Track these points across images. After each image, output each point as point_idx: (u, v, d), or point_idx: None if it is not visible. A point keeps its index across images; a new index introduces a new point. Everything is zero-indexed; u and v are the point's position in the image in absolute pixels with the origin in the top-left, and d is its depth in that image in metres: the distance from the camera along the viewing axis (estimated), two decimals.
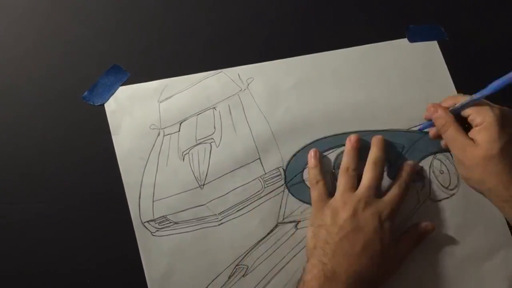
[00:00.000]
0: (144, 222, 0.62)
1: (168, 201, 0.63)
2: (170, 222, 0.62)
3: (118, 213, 0.62)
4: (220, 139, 0.65)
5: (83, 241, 0.61)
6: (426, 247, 0.65)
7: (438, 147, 0.68)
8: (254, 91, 0.67)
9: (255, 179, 0.65)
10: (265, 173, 0.65)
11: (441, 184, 0.67)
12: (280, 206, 0.64)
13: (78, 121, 0.64)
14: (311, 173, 0.64)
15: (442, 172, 0.68)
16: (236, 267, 0.62)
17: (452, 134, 0.61)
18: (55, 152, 0.63)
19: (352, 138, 0.64)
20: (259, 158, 0.65)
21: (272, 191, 0.65)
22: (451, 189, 0.68)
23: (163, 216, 0.62)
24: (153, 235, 0.62)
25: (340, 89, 0.69)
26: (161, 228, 0.62)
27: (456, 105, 0.62)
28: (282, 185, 0.65)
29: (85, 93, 0.64)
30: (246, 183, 0.64)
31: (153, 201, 0.63)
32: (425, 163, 0.68)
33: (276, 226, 0.64)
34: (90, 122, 0.64)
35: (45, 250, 0.60)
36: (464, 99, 0.61)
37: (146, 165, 0.63)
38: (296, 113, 0.67)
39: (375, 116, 0.69)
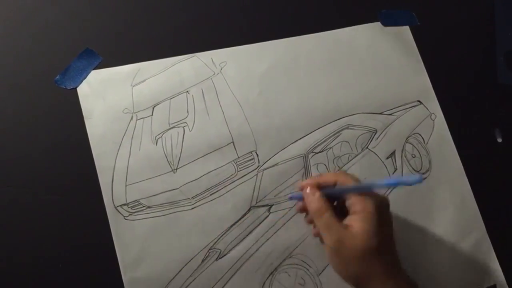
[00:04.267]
0: (117, 206, 0.62)
1: (141, 185, 0.63)
2: (143, 206, 0.62)
3: (91, 197, 0.61)
4: (193, 123, 0.65)
5: (55, 225, 0.61)
6: (397, 231, 0.66)
7: (410, 131, 0.69)
8: (228, 75, 0.68)
9: (228, 163, 0.65)
10: (238, 157, 0.65)
11: (413, 168, 0.68)
12: (253, 189, 0.65)
13: (51, 105, 0.64)
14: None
15: (414, 156, 0.69)
16: (209, 251, 0.62)
17: (327, 221, 0.54)
18: (27, 136, 0.62)
19: None
20: (232, 142, 0.65)
21: (245, 175, 0.65)
22: (423, 173, 0.69)
23: (136, 200, 0.62)
24: (126, 219, 0.61)
25: (313, 73, 0.70)
26: (134, 212, 0.62)
27: (336, 188, 0.57)
28: (256, 168, 0.65)
29: (57, 76, 0.64)
30: (219, 167, 0.64)
31: (126, 185, 0.62)
32: (397, 147, 0.69)
33: (249, 210, 0.64)
34: (62, 106, 0.64)
35: (15, 235, 0.60)
36: (345, 180, 0.56)
37: (119, 149, 0.63)
38: (269, 97, 0.68)
39: (348, 100, 0.69)
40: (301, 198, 0.59)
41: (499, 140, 0.72)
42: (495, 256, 0.68)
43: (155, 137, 0.64)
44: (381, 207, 0.53)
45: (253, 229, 0.64)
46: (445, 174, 0.69)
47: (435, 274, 0.66)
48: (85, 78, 0.65)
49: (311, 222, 0.61)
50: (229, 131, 0.66)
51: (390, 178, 0.51)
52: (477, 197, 0.69)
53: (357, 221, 0.53)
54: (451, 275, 0.66)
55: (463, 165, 0.70)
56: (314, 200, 0.56)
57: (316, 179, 0.58)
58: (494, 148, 0.72)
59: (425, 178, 0.68)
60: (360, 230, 0.52)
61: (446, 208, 0.68)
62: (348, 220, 0.54)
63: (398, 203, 0.66)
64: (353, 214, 0.54)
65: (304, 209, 0.60)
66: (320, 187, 0.57)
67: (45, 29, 0.66)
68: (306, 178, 0.66)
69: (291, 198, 0.64)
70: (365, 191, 0.54)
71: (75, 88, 0.64)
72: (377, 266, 0.52)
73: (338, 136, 0.68)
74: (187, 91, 0.66)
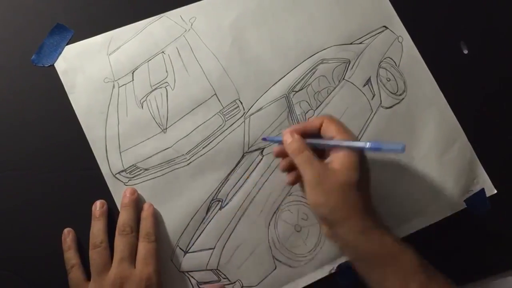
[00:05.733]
0: (116, 174, 0.63)
1: (135, 149, 0.64)
2: (141, 170, 0.63)
3: (89, 169, 0.62)
4: (174, 82, 0.66)
5: (57, 201, 0.61)
6: (385, 155, 0.68)
7: (381, 56, 0.71)
8: (199, 30, 0.68)
9: (214, 114, 0.66)
10: (223, 107, 0.66)
11: (390, 91, 0.71)
12: (243, 136, 0.66)
13: (32, 86, 0.63)
14: (65, 257, 0.59)
15: (389, 79, 0.71)
16: (212, 202, 0.64)
17: (307, 158, 0.56)
18: (17, 121, 0.62)
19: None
20: (215, 94, 0.66)
21: (233, 123, 0.66)
22: (400, 94, 0.71)
23: (133, 165, 0.63)
24: (126, 185, 0.62)
25: (279, 15, 0.71)
26: (133, 177, 0.63)
27: (317, 141, 0.58)
28: (242, 116, 0.67)
29: (33, 56, 0.64)
30: (207, 120, 0.66)
31: (120, 152, 0.63)
32: (372, 73, 0.71)
33: (243, 156, 0.66)
34: (44, 85, 0.64)
35: (24, 215, 0.61)
36: (328, 124, 0.58)
37: (107, 119, 0.64)
38: (242, 44, 0.69)
39: (317, 35, 0.71)
40: (276, 141, 0.62)
41: (465, 51, 0.74)
42: (479, 162, 0.71)
43: (140, 101, 0.65)
44: (361, 151, 0.56)
45: (250, 174, 0.65)
46: (420, 92, 0.71)
47: (428, 187, 0.69)
48: (60, 53, 0.65)
49: (285, 169, 0.62)
50: (210, 84, 0.67)
51: (374, 142, 0.53)
52: (453, 109, 0.72)
53: (338, 158, 0.55)
54: (442, 186, 0.69)
55: (436, 80, 0.72)
56: (293, 140, 0.58)
57: (297, 126, 0.60)
58: (462, 60, 0.74)
59: (403, 99, 0.71)
60: (341, 165, 0.54)
61: (426, 124, 0.71)
62: (328, 160, 0.56)
63: (380, 127, 0.69)
64: (332, 153, 0.56)
65: (281, 154, 0.61)
66: (301, 134, 0.59)
67: (12, 12, 0.66)
68: (291, 118, 0.68)
69: (264, 139, 0.65)
70: (346, 148, 0.55)
71: (53, 65, 0.64)
72: (356, 201, 0.54)
73: (314, 71, 0.69)
74: (163, 52, 0.67)
